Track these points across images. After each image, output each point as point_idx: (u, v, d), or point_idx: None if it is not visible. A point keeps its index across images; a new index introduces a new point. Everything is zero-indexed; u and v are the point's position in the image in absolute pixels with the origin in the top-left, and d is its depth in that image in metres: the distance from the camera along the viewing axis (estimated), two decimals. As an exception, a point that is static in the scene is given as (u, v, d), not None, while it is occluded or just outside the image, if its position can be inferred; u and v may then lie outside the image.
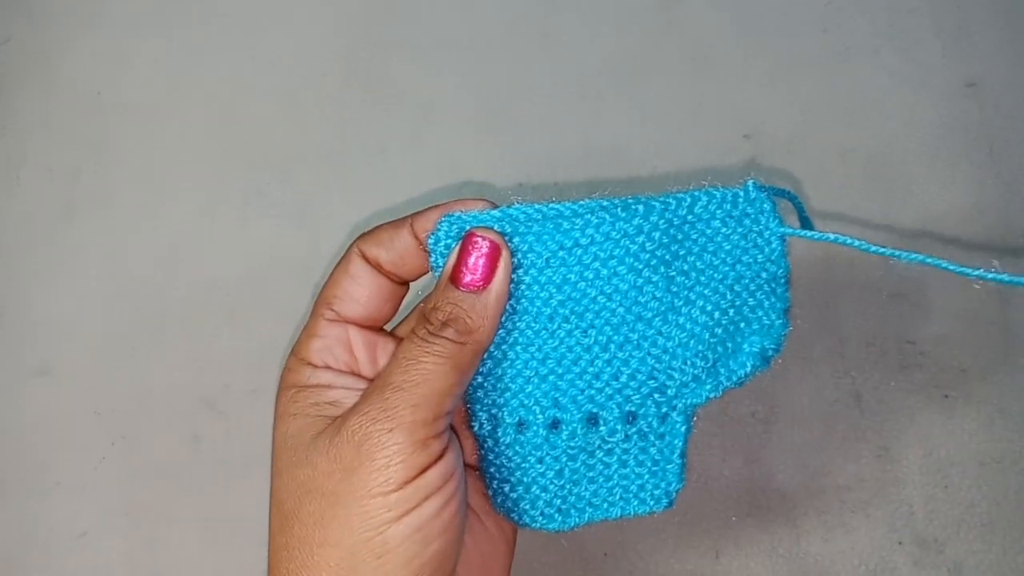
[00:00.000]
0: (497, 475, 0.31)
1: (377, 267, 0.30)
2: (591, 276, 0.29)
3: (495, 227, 0.28)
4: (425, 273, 0.30)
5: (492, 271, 0.28)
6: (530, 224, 0.29)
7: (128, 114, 0.48)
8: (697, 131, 0.47)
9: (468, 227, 0.28)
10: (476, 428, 0.30)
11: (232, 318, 0.45)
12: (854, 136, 0.46)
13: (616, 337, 0.29)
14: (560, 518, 0.31)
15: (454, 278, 0.27)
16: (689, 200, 0.29)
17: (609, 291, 0.29)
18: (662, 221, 0.29)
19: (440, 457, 0.26)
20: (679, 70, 0.48)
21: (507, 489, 0.31)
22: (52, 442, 0.44)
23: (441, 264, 0.28)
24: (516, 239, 0.29)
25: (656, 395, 0.30)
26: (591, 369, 0.30)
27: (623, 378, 0.30)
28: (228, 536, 0.42)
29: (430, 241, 0.28)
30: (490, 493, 0.31)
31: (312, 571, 0.26)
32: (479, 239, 0.28)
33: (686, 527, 0.41)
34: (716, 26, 0.48)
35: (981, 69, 0.47)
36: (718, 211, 0.29)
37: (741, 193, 0.29)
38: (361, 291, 0.29)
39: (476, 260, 0.28)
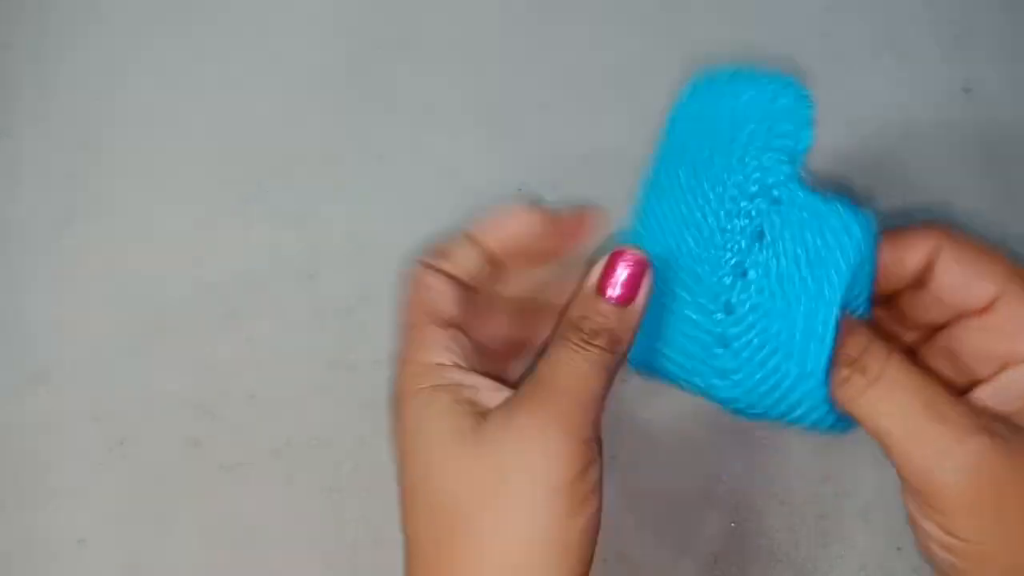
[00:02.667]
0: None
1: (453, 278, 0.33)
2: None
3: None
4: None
5: (637, 287, 0.29)
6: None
7: (127, 119, 0.48)
8: (695, 136, 0.47)
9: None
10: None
11: (231, 323, 0.45)
12: (851, 140, 0.46)
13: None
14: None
15: (601, 292, 0.29)
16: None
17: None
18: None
19: (600, 453, 0.29)
20: (678, 75, 0.48)
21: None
22: (50, 448, 0.44)
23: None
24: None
25: (757, 200, 0.31)
26: (708, 237, 0.31)
27: (735, 222, 0.31)
28: (227, 542, 0.42)
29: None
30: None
31: (486, 565, 0.27)
32: (627, 257, 0.30)
33: (685, 533, 0.41)
34: (716, 31, 0.49)
35: (978, 74, 0.47)
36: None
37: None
38: (446, 296, 0.33)
39: (622, 277, 0.29)
